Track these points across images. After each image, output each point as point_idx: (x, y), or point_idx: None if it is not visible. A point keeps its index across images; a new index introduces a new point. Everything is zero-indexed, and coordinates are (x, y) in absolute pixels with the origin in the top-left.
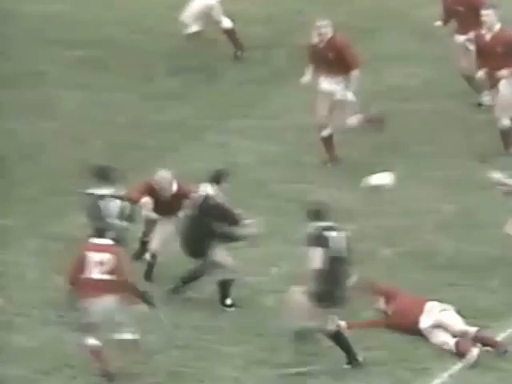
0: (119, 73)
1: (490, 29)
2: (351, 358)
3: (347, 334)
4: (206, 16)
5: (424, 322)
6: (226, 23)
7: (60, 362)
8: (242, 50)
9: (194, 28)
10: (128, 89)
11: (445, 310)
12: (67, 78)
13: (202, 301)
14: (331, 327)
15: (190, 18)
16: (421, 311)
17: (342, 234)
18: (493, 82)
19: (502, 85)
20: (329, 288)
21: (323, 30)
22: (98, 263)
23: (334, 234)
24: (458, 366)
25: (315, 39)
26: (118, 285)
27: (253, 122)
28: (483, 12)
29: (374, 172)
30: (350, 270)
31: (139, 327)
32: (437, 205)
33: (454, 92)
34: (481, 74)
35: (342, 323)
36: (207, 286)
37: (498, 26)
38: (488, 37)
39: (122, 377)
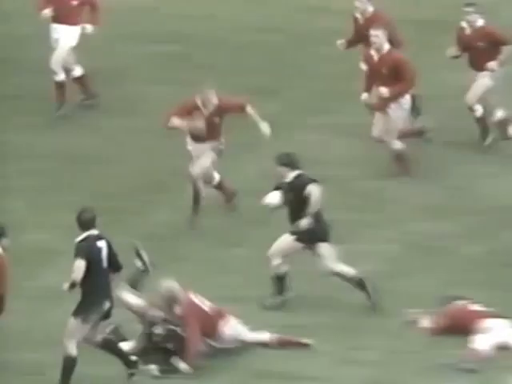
0: (207, 68)
1: (378, 50)
2: (128, 363)
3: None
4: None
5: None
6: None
7: None
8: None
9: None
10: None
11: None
12: (154, 73)
13: (290, 299)
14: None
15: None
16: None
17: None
18: (380, 105)
19: (392, 109)
20: None
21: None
22: None
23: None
24: None
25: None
26: None
27: (342, 118)
28: (372, 32)
29: (457, 169)
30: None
31: None
32: None
33: None
34: (365, 96)
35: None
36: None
37: (386, 47)
38: (376, 58)
39: (207, 372)
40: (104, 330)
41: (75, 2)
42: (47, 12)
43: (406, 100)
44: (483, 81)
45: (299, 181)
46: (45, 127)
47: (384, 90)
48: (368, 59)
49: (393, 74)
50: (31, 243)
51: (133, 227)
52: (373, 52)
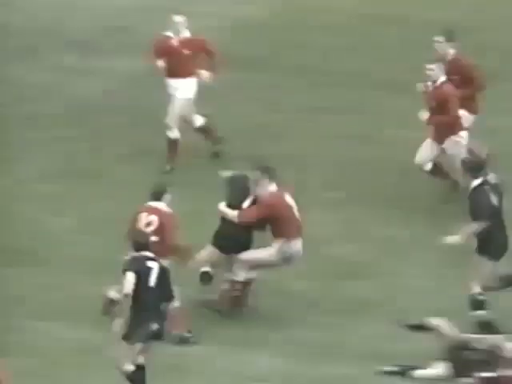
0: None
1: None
2: None
3: None
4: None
5: None
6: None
7: None
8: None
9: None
10: None
11: None
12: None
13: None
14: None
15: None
16: None
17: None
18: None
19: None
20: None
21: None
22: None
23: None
24: None
25: None
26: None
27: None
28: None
29: None
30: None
31: None
32: None
33: None
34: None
35: None
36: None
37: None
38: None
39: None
40: (146, 353)
41: (187, 51)
42: (161, 63)
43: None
44: None
45: None
46: None
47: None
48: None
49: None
50: (339, 256)
51: None
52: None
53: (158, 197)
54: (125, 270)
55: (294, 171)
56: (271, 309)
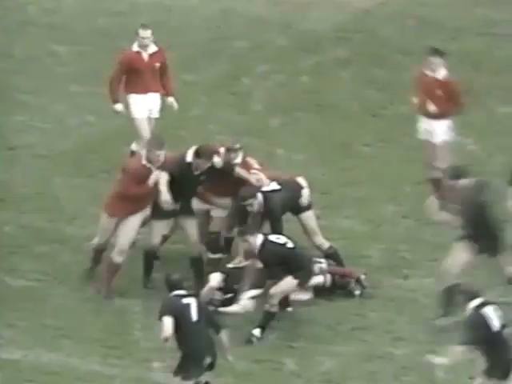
0: None
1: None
2: None
3: None
4: None
5: None
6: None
7: None
8: None
9: None
10: None
11: None
12: None
13: None
14: None
15: None
16: None
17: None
18: None
19: None
20: None
21: None
22: None
23: None
24: None
25: None
26: None
27: None
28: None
29: None
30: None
31: None
32: None
33: None
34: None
35: None
36: None
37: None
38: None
39: None
40: None
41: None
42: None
43: None
44: None
45: None
46: None
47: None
48: None
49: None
50: None
51: None
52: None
53: None
54: (160, 316)
55: None
56: None
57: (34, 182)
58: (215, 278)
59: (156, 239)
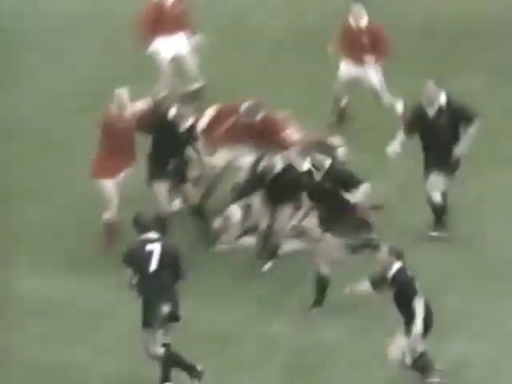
0: None
1: None
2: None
3: None
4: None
5: None
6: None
7: None
8: None
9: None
10: None
11: None
12: None
13: None
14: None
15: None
16: None
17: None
18: None
19: None
20: None
21: None
22: None
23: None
24: None
25: None
26: None
27: None
28: None
29: None
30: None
31: None
32: None
33: None
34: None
35: None
36: None
37: None
38: None
39: None
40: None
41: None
42: None
43: None
44: None
45: None
46: None
47: None
48: None
49: None
50: None
51: None
52: None
53: None
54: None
55: None
56: None
57: None
58: (235, 212)
59: (163, 202)
